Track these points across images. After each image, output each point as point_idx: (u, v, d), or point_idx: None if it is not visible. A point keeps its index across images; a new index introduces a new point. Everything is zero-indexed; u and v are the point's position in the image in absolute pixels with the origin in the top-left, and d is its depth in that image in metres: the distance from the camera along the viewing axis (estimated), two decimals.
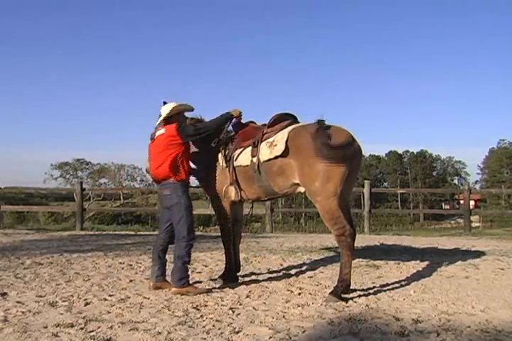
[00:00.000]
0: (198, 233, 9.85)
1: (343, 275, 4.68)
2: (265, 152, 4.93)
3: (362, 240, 9.71)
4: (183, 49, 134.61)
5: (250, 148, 5.11)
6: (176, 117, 5.22)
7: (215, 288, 5.20)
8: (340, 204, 4.66)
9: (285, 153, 4.80)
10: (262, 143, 5.03)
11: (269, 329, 3.70)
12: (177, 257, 4.95)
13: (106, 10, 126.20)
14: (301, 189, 4.93)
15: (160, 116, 5.25)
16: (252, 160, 5.04)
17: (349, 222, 4.73)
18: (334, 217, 4.65)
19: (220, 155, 5.34)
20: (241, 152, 5.18)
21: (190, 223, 5.03)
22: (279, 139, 4.87)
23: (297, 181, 4.84)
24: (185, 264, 4.96)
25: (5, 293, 4.88)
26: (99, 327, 3.73)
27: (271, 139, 4.97)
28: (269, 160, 4.90)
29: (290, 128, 4.97)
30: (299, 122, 5.21)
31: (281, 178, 4.93)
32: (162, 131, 5.13)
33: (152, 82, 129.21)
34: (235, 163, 5.17)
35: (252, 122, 5.55)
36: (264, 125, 5.28)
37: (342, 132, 4.80)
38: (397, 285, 5.32)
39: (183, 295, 4.81)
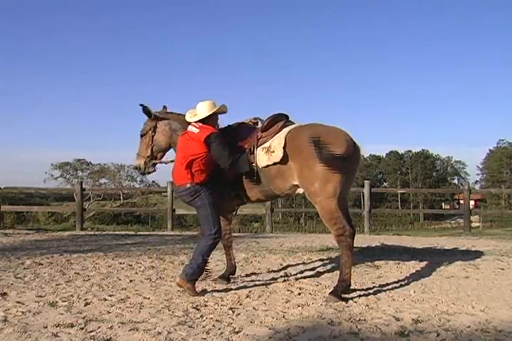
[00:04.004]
0: (196, 233, 9.84)
1: (344, 275, 4.68)
2: (263, 158, 4.90)
3: (362, 240, 9.70)
4: (184, 49, 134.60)
5: (246, 154, 5.00)
6: (212, 117, 5.10)
7: (215, 288, 5.20)
8: (339, 205, 4.67)
9: (284, 159, 4.79)
10: (258, 149, 4.97)
11: (269, 329, 3.70)
12: (200, 253, 4.84)
13: (108, 10, 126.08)
14: (301, 190, 4.94)
15: (194, 112, 5.10)
16: (250, 167, 4.98)
17: (348, 222, 4.75)
18: (334, 217, 4.66)
19: None
20: (238, 158, 4.99)
21: (218, 218, 4.96)
22: (276, 145, 4.82)
23: (296, 183, 4.85)
24: (205, 262, 4.87)
25: (5, 293, 4.88)
26: (99, 327, 3.73)
27: (267, 144, 4.93)
28: (268, 166, 4.90)
29: (286, 131, 4.92)
30: (291, 122, 5.18)
31: (280, 180, 4.93)
32: (195, 130, 4.93)
33: (153, 82, 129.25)
34: (233, 169, 5.03)
35: (243, 123, 5.44)
36: (256, 124, 5.26)
37: (340, 133, 4.81)
38: (397, 285, 5.32)
39: (182, 291, 4.80)
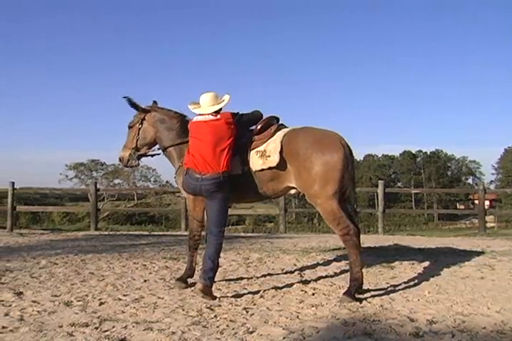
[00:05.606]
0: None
1: (354, 274, 4.68)
2: (257, 162, 4.89)
3: (376, 240, 9.67)
4: (185, 51, 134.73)
5: (238, 156, 4.95)
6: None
7: (228, 289, 5.21)
8: (340, 205, 4.70)
9: (280, 164, 4.81)
10: (252, 152, 4.95)
11: (283, 329, 3.70)
12: (216, 252, 4.76)
13: (109, 10, 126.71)
14: (293, 191, 5.02)
15: (198, 104, 4.97)
16: (242, 169, 4.97)
17: (352, 221, 4.76)
18: (336, 217, 4.68)
19: None
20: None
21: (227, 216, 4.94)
22: (272, 149, 4.83)
23: (292, 185, 4.90)
24: (218, 261, 4.84)
25: (21, 293, 4.93)
26: (113, 327, 3.75)
27: (261, 148, 4.91)
28: (262, 170, 4.90)
29: (281, 135, 4.92)
30: (283, 125, 5.15)
31: (274, 183, 4.97)
32: (212, 117, 4.82)
33: (153, 82, 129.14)
34: None
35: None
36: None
37: (335, 136, 4.87)
38: (411, 285, 5.29)
39: (197, 292, 4.75)
